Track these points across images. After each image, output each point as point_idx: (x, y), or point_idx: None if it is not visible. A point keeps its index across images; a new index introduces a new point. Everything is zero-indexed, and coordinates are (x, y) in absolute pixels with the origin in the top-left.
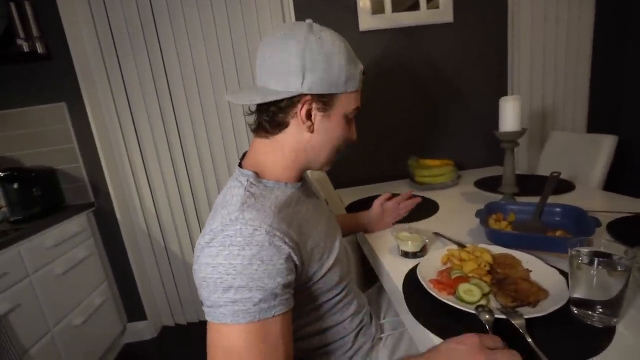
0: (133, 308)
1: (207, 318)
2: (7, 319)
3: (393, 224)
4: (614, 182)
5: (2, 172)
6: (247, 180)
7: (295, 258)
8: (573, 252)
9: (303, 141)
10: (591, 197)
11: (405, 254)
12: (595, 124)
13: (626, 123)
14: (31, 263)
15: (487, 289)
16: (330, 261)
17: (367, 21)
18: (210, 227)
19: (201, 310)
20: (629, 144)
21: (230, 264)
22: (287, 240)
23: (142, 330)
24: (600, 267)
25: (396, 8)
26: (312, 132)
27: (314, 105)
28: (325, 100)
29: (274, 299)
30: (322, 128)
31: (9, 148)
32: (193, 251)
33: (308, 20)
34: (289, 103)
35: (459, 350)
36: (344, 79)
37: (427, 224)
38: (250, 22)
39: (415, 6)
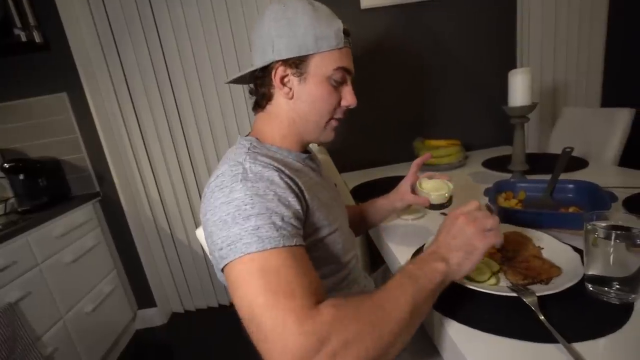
0: (142, 295)
1: (226, 260)
2: (19, 306)
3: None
4: (630, 158)
5: (7, 163)
6: (250, 143)
7: (301, 198)
8: (589, 227)
9: (289, 109)
10: (606, 174)
11: (431, 206)
12: (610, 99)
13: None
14: (40, 252)
15: (496, 267)
16: (334, 226)
17: None
18: (217, 173)
19: (209, 296)
20: None
21: (246, 195)
22: (292, 184)
23: (153, 317)
24: (618, 241)
25: None
26: (291, 98)
27: (288, 71)
28: (296, 63)
29: (292, 229)
30: (302, 93)
31: (14, 140)
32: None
33: None
34: (263, 73)
35: (455, 223)
36: (312, 38)
37: None
38: (249, 7)
39: None
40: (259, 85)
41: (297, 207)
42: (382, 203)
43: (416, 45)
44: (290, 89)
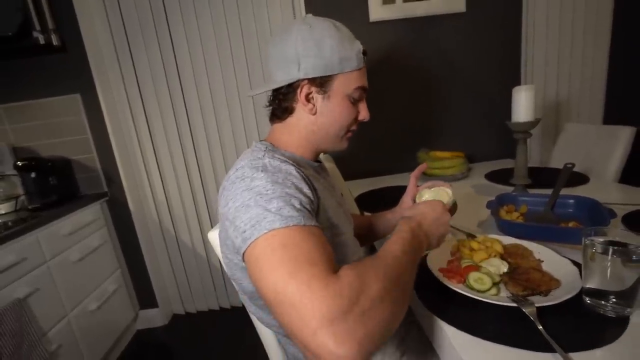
0: (145, 296)
1: (250, 239)
2: (27, 302)
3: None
4: (630, 175)
5: (20, 161)
6: (266, 147)
7: (314, 192)
8: (587, 242)
9: (310, 123)
10: (606, 190)
11: None
12: (612, 116)
13: None
14: (49, 249)
15: (497, 277)
16: (341, 230)
17: (377, 11)
18: (237, 167)
19: (211, 299)
20: None
21: (267, 181)
22: (307, 179)
23: (154, 318)
24: (614, 256)
25: None
26: (314, 114)
27: (313, 89)
28: (322, 83)
29: (309, 213)
30: (325, 109)
31: (27, 138)
32: (204, 242)
33: (307, 15)
34: (289, 89)
35: (441, 219)
36: (337, 60)
37: None
38: (260, 14)
39: None
40: (282, 100)
41: (311, 197)
42: (388, 217)
43: (422, 59)
44: (314, 105)
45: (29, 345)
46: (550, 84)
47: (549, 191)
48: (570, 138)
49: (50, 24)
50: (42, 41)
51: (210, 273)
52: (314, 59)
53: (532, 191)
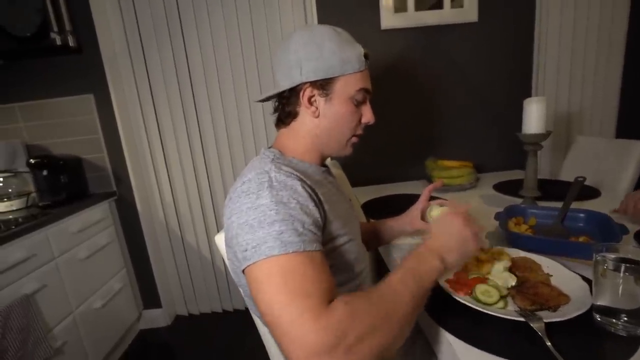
0: (149, 296)
1: (250, 261)
2: (35, 298)
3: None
4: None
5: (33, 159)
6: (274, 155)
7: (320, 207)
8: (598, 258)
9: (314, 126)
10: (617, 205)
11: None
12: (625, 130)
13: None
14: (57, 246)
15: (505, 291)
16: (349, 236)
17: (389, 19)
18: (244, 179)
19: (214, 302)
20: None
21: (272, 202)
22: (312, 194)
23: (157, 318)
24: (627, 274)
25: (419, 6)
26: (317, 117)
27: (315, 92)
28: (323, 85)
29: (312, 235)
30: (327, 112)
31: (41, 137)
32: (209, 244)
33: (309, 23)
34: (291, 93)
35: (453, 223)
36: (338, 62)
37: None
38: (273, 20)
39: (438, 5)
40: (286, 104)
41: (317, 215)
42: (392, 224)
43: (432, 67)
44: (317, 108)
45: (35, 341)
46: (562, 95)
47: (558, 204)
48: (581, 151)
49: (68, 26)
50: (58, 42)
51: (215, 275)
52: (315, 62)
53: (541, 204)
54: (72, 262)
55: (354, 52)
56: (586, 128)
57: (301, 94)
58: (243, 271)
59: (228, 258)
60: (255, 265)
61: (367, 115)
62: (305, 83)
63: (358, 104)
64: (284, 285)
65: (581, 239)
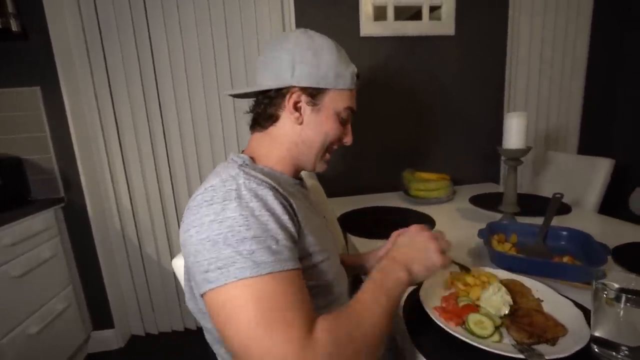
0: (99, 315)
1: (214, 284)
2: None
3: None
4: (608, 206)
5: None
6: (243, 161)
7: (294, 219)
8: (598, 285)
9: (294, 134)
10: (589, 220)
11: None
12: (586, 147)
13: (618, 146)
14: None
15: (498, 320)
16: (325, 254)
17: (368, 27)
18: (206, 186)
19: (175, 319)
20: (620, 167)
21: (241, 215)
22: (286, 204)
23: (108, 340)
24: (628, 304)
25: (398, 16)
26: (301, 123)
27: (302, 98)
28: (314, 94)
29: (287, 252)
30: (312, 122)
31: None
32: (171, 255)
33: (307, 29)
34: (277, 94)
35: (418, 235)
36: (333, 74)
37: None
38: (248, 22)
39: (417, 16)
40: (268, 105)
41: (292, 228)
42: (354, 260)
43: (411, 77)
44: (301, 115)
45: None
46: (530, 111)
47: (535, 219)
48: (549, 166)
49: (10, 7)
50: None
51: (177, 289)
52: (310, 68)
53: (519, 219)
54: (2, 281)
55: (348, 70)
56: (552, 143)
57: (288, 96)
58: (202, 295)
59: (185, 276)
60: (220, 289)
61: (349, 136)
62: (295, 87)
63: (343, 122)
64: (260, 314)
65: (565, 259)
